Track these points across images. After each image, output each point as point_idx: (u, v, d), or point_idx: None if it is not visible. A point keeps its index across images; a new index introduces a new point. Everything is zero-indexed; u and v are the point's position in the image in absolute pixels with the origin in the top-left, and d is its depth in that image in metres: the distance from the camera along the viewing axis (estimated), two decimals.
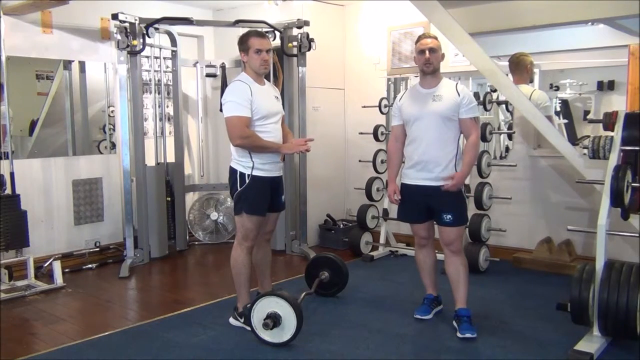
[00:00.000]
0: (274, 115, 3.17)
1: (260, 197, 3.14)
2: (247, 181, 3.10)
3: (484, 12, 4.01)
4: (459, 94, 3.10)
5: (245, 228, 3.15)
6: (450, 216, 3.12)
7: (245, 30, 5.16)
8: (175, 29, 5.14)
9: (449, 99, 3.10)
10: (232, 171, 3.16)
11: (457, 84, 3.19)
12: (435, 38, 3.18)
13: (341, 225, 5.39)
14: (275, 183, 3.23)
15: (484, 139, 4.22)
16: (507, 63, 4.42)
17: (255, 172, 3.10)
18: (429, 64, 3.11)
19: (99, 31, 4.86)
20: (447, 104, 3.10)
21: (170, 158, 5.23)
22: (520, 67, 4.33)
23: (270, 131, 3.14)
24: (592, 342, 2.85)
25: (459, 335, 3.07)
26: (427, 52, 3.11)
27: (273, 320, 2.90)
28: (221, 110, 3.16)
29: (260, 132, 3.09)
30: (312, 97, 5.20)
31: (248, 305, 3.11)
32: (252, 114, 3.04)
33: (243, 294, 3.23)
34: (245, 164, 3.10)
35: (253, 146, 3.07)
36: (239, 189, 3.12)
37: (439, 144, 3.12)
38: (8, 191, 4.01)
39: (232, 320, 3.30)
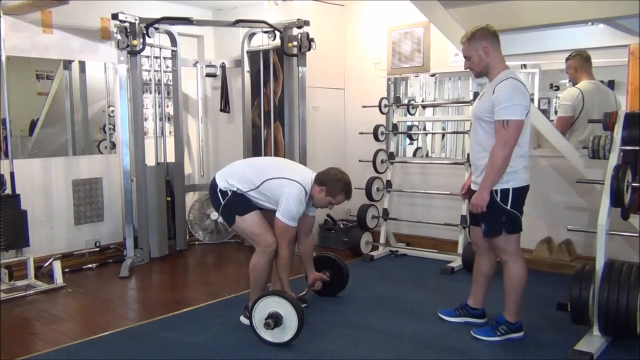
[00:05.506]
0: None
1: (245, 201, 3.19)
2: (229, 194, 3.17)
3: (484, 12, 4.01)
4: (493, 92, 2.78)
5: (252, 233, 3.19)
6: (483, 225, 3.00)
7: (245, 30, 5.24)
8: (175, 29, 5.14)
9: (486, 98, 2.85)
10: (213, 186, 3.22)
11: (505, 79, 2.79)
12: (467, 39, 2.88)
13: (341, 225, 5.39)
14: None
15: None
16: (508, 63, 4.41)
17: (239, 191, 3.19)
18: (470, 69, 2.98)
19: (99, 31, 4.86)
20: (482, 104, 2.88)
21: (170, 158, 5.23)
22: (590, 63, 4.14)
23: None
24: (592, 342, 2.85)
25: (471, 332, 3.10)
26: (465, 60, 2.95)
27: (274, 320, 2.91)
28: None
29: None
30: (312, 97, 5.20)
31: None
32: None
33: (257, 295, 3.21)
34: (230, 188, 3.17)
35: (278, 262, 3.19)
36: (222, 202, 3.19)
37: (475, 148, 2.98)
38: (8, 191, 4.01)
39: (242, 319, 3.30)
